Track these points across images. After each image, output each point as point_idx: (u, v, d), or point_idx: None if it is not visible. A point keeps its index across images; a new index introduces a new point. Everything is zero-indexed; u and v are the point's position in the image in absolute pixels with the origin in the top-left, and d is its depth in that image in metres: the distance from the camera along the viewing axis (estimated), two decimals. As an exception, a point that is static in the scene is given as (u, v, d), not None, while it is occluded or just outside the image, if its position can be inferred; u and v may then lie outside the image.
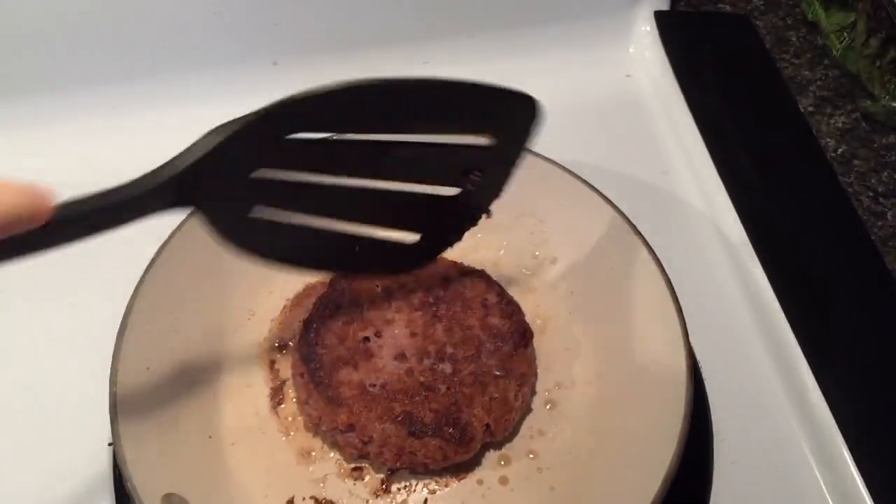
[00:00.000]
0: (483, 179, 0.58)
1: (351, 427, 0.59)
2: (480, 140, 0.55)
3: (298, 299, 0.69)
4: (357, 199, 0.54)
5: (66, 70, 0.80)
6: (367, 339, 0.63)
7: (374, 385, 0.61)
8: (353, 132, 0.53)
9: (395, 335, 0.63)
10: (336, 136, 0.52)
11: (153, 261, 0.63)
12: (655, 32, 0.90)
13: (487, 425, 0.60)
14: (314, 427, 0.62)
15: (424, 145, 0.54)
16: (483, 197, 0.60)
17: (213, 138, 0.49)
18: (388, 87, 0.53)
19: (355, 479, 0.61)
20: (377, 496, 0.60)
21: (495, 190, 0.59)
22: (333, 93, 0.50)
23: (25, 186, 0.42)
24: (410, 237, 0.59)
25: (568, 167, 0.69)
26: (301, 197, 0.53)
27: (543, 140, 0.70)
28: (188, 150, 0.49)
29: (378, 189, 0.55)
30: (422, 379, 0.61)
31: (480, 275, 0.67)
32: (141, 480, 0.53)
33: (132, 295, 0.61)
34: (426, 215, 0.58)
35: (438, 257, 0.68)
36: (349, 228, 0.57)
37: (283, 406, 0.64)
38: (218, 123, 0.82)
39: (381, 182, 0.55)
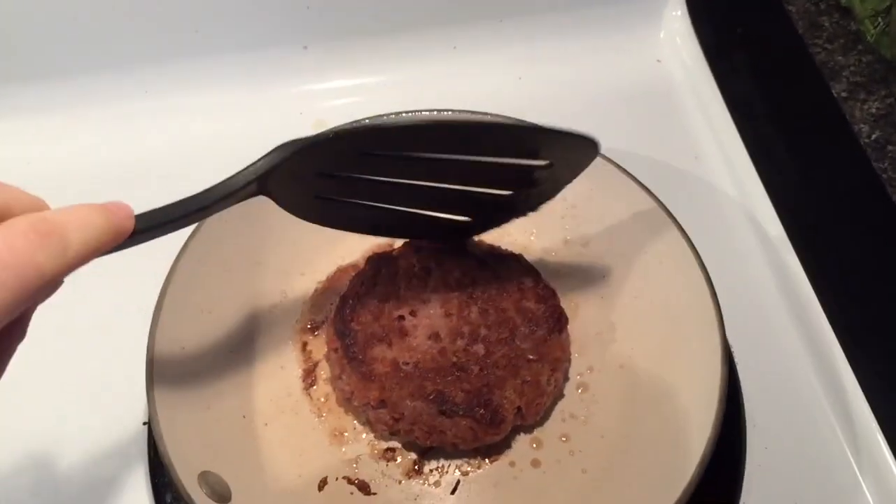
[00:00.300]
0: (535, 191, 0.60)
1: (383, 403, 0.60)
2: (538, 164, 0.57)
3: (330, 282, 0.70)
4: (414, 192, 0.57)
5: (97, 53, 0.81)
6: (401, 317, 0.63)
7: (408, 363, 0.61)
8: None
9: (430, 315, 0.63)
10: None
11: (187, 243, 0.63)
12: (686, 17, 0.89)
13: (519, 408, 0.60)
14: (346, 402, 0.63)
15: (484, 162, 0.56)
16: (533, 201, 0.61)
17: (282, 152, 0.52)
18: (456, 127, 0.56)
19: (388, 460, 0.61)
20: (409, 477, 0.61)
21: (545, 197, 0.61)
22: (402, 127, 0.54)
23: (105, 207, 0.42)
24: (461, 219, 0.61)
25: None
26: (363, 190, 0.56)
27: (574, 124, 0.70)
28: (258, 162, 0.52)
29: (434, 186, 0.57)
30: (454, 359, 0.61)
31: (517, 259, 0.67)
32: (178, 458, 0.54)
33: (167, 276, 0.61)
34: (477, 207, 0.60)
35: (475, 240, 0.68)
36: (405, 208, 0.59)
37: (315, 387, 0.65)
38: (247, 107, 0.84)
39: (438, 183, 0.57)
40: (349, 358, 0.61)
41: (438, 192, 0.57)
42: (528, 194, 0.60)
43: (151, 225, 0.47)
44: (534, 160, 0.57)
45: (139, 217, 0.45)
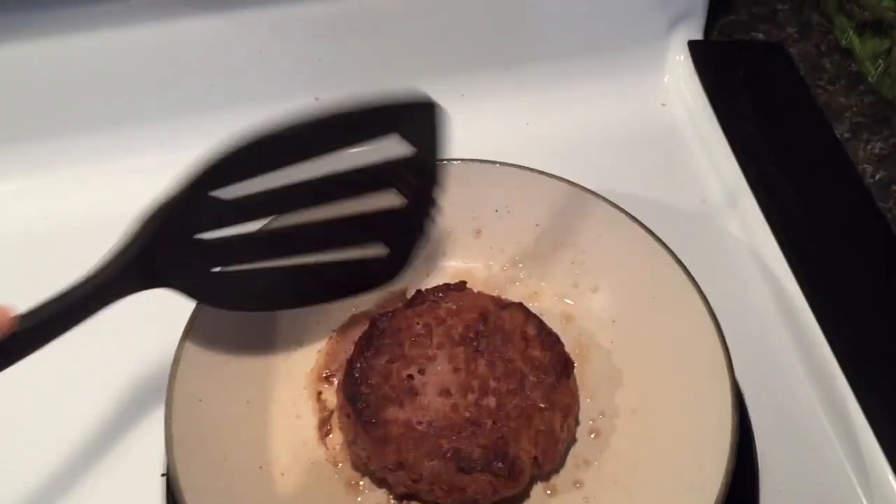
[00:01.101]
0: (413, 188, 0.60)
1: (400, 465, 0.60)
2: (396, 148, 0.58)
3: (344, 330, 0.71)
4: (306, 231, 0.58)
5: (114, 109, 0.83)
6: (410, 376, 0.63)
7: (421, 422, 0.61)
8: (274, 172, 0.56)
9: (438, 371, 0.64)
10: (263, 186, 0.55)
11: (199, 305, 0.64)
12: (690, 61, 0.91)
13: (535, 458, 0.61)
14: (363, 466, 0.63)
15: (348, 172, 0.57)
16: (422, 207, 0.62)
17: (153, 222, 0.54)
18: (292, 131, 0.56)
19: (404, 510, 0.62)
20: (425, 527, 0.61)
21: (430, 200, 0.62)
22: (242, 148, 0.55)
23: None
24: (372, 251, 0.62)
25: (606, 197, 0.70)
26: (254, 246, 0.57)
27: (582, 169, 0.72)
28: (134, 235, 0.54)
29: (323, 217, 0.58)
30: (467, 414, 0.61)
31: (518, 307, 0.68)
32: (198, 513, 0.55)
33: (185, 328, 0.62)
34: (377, 228, 0.61)
35: (475, 292, 0.69)
36: (311, 260, 0.60)
37: (330, 436, 0.66)
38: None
39: (322, 209, 0.58)
40: (363, 422, 0.61)
41: (327, 221, 0.57)
42: (417, 194, 0.60)
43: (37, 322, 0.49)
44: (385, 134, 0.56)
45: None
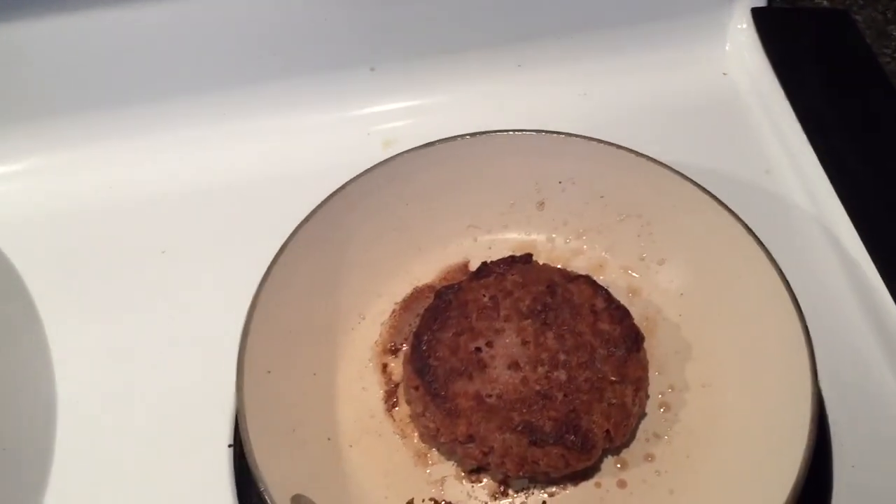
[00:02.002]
0: None
1: (470, 438, 0.60)
2: None
3: (407, 303, 0.70)
4: None
5: (175, 78, 0.82)
6: (478, 349, 0.63)
7: (491, 395, 0.61)
8: None
9: (506, 344, 0.63)
10: None
11: (269, 269, 0.63)
12: (752, 29, 0.88)
13: (607, 431, 0.60)
14: (431, 439, 0.63)
15: None
16: None
17: None
18: None
19: (473, 482, 0.62)
20: (496, 499, 0.61)
21: None
22: None
23: None
24: None
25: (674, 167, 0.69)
26: None
27: (641, 140, 0.70)
28: None
29: None
30: (538, 387, 0.61)
31: (586, 280, 0.67)
32: (272, 483, 0.54)
33: (251, 302, 0.62)
34: None
35: (541, 264, 0.69)
36: None
37: (397, 408, 0.65)
38: (317, 128, 0.85)
39: None
40: (432, 395, 0.61)
41: None
42: None
43: None
44: None
45: None
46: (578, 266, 0.71)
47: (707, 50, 0.89)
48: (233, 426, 0.66)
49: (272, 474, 0.55)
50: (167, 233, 0.78)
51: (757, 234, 0.64)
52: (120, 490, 0.65)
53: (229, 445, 0.66)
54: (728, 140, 0.83)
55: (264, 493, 0.54)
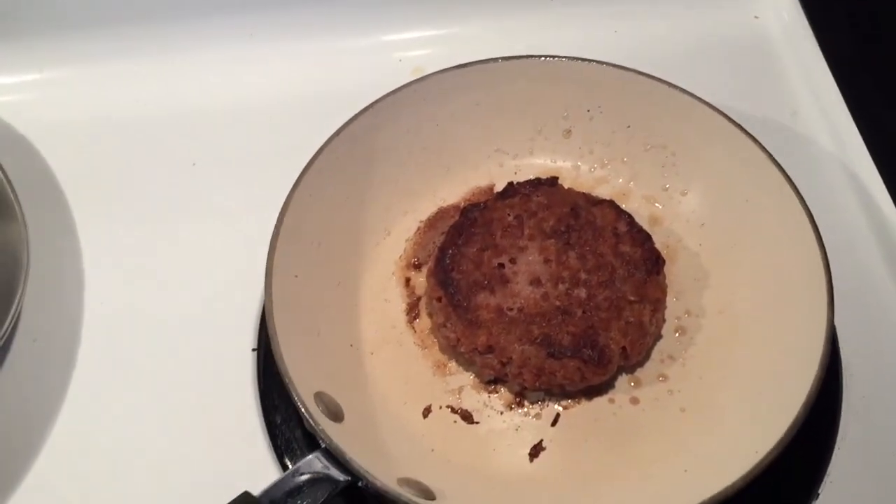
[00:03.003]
0: None
1: (490, 348, 0.61)
2: None
3: (431, 221, 0.71)
4: None
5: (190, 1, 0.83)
6: (501, 265, 0.64)
7: (512, 308, 0.62)
8: None
9: (529, 261, 0.64)
10: None
11: (299, 178, 0.64)
12: (785, -27, 0.88)
13: (623, 348, 0.61)
14: (451, 349, 0.64)
15: None
16: None
17: None
18: None
19: (490, 392, 0.63)
20: (511, 409, 0.63)
21: None
22: None
23: None
24: None
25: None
26: None
27: (670, 78, 0.71)
28: None
29: None
30: (558, 303, 0.62)
31: (609, 204, 0.68)
32: (296, 377, 0.56)
33: (281, 209, 0.63)
34: None
35: (566, 188, 0.69)
36: None
37: (418, 321, 0.67)
38: (348, 53, 0.85)
39: None
40: (454, 306, 0.62)
41: None
42: None
43: None
44: None
45: None
46: (602, 194, 0.71)
47: (739, -8, 0.89)
48: (257, 332, 0.68)
49: (296, 371, 0.57)
50: (198, 146, 0.79)
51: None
52: (143, 390, 0.67)
53: (253, 349, 0.68)
54: (756, 82, 0.84)
55: (289, 386, 0.55)
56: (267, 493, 0.53)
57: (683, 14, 0.88)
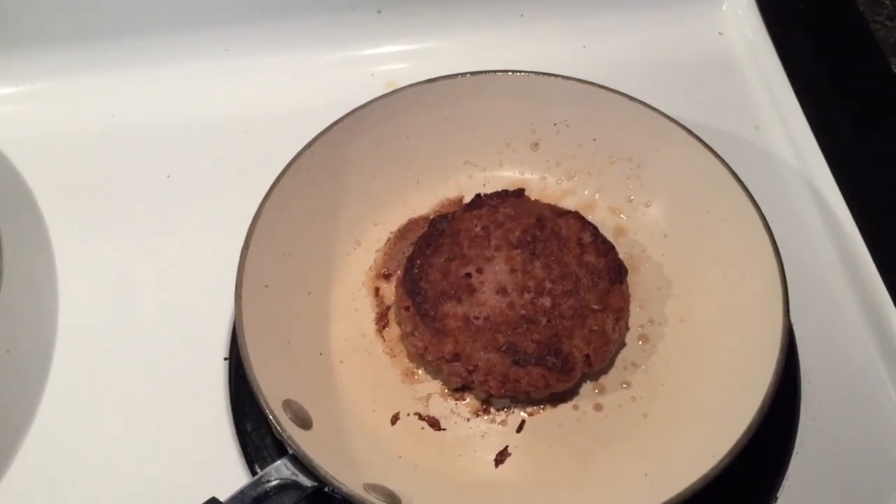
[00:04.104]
0: None
1: (456, 356, 0.63)
2: None
3: (402, 232, 0.73)
4: None
5: (182, 11, 0.84)
6: (468, 274, 0.65)
7: (478, 317, 0.63)
8: None
9: (495, 271, 0.66)
10: None
11: (270, 191, 0.66)
12: (749, -10, 0.91)
13: (587, 356, 0.63)
14: (419, 357, 0.66)
15: None
16: None
17: None
18: None
19: (457, 400, 0.65)
20: (478, 415, 0.64)
21: None
22: None
23: None
24: None
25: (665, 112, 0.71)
26: None
27: (637, 93, 0.72)
28: None
29: None
30: (523, 312, 0.64)
31: (575, 215, 0.69)
32: (265, 385, 0.57)
33: (252, 221, 0.64)
34: None
35: (532, 199, 0.71)
36: None
37: (387, 329, 0.68)
38: (322, 68, 0.87)
39: None
40: (421, 315, 0.64)
41: None
42: None
43: None
44: None
45: None
46: (569, 205, 0.73)
47: (704, 9, 0.91)
48: (229, 341, 0.69)
49: (265, 379, 0.58)
50: (172, 160, 0.80)
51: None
52: (116, 398, 0.68)
53: (225, 359, 0.69)
54: (721, 97, 0.86)
55: (257, 394, 0.57)
56: (234, 498, 0.54)
57: (650, 30, 0.90)
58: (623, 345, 0.67)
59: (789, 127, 0.82)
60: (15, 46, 0.83)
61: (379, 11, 0.86)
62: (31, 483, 0.64)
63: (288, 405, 0.59)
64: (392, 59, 0.87)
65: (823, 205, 0.77)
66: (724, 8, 0.91)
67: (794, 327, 0.68)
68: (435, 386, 0.65)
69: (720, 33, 0.90)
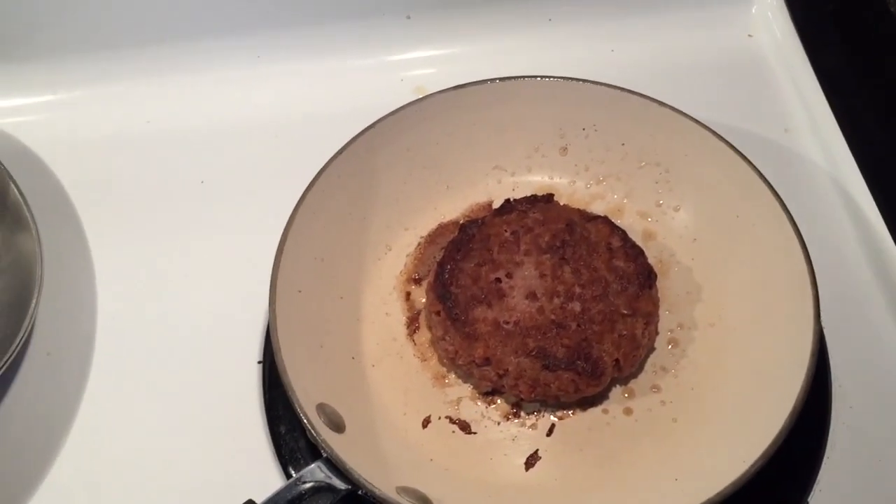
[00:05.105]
0: None
1: (487, 361, 0.63)
2: None
3: (432, 237, 0.73)
4: None
5: (213, 19, 0.85)
6: (498, 279, 0.66)
7: (508, 322, 0.64)
8: None
9: (525, 276, 0.66)
10: None
11: (302, 197, 0.67)
12: (778, -8, 0.91)
13: (616, 360, 0.63)
14: (450, 362, 0.66)
15: None
16: None
17: None
18: None
19: (488, 404, 0.65)
20: (508, 419, 0.65)
21: None
22: None
23: None
24: None
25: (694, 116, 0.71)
26: None
27: (665, 96, 0.73)
28: None
29: None
30: (553, 317, 0.64)
31: (604, 220, 0.70)
32: (299, 389, 0.58)
33: (285, 227, 0.65)
34: None
35: (562, 204, 0.72)
36: None
37: (418, 334, 0.69)
38: (352, 74, 0.88)
39: None
40: (452, 319, 0.65)
41: None
42: None
43: None
44: None
45: None
46: (597, 210, 0.73)
47: (733, 11, 0.91)
48: (262, 345, 0.70)
49: (299, 382, 0.59)
50: (206, 165, 0.82)
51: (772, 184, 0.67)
52: (153, 401, 0.69)
53: (259, 362, 0.70)
54: (750, 99, 0.86)
55: (291, 398, 0.58)
56: (270, 501, 0.55)
57: (678, 33, 0.90)
58: (652, 349, 0.67)
59: (819, 129, 0.82)
60: (52, 56, 0.85)
61: (408, 17, 0.87)
62: (71, 484, 0.65)
63: (321, 409, 0.60)
64: (421, 65, 0.88)
65: (854, 207, 0.76)
66: (753, 10, 0.91)
67: (825, 332, 0.68)
68: (465, 390, 0.66)
69: (749, 35, 0.90)
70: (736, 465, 0.55)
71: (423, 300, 0.70)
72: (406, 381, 0.66)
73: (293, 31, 0.87)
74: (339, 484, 0.56)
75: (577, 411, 0.65)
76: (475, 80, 0.73)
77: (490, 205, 0.75)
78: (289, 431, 0.66)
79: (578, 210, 0.71)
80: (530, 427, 0.64)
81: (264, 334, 0.70)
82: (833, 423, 0.65)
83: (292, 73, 0.87)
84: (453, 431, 0.64)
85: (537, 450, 0.63)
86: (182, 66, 0.87)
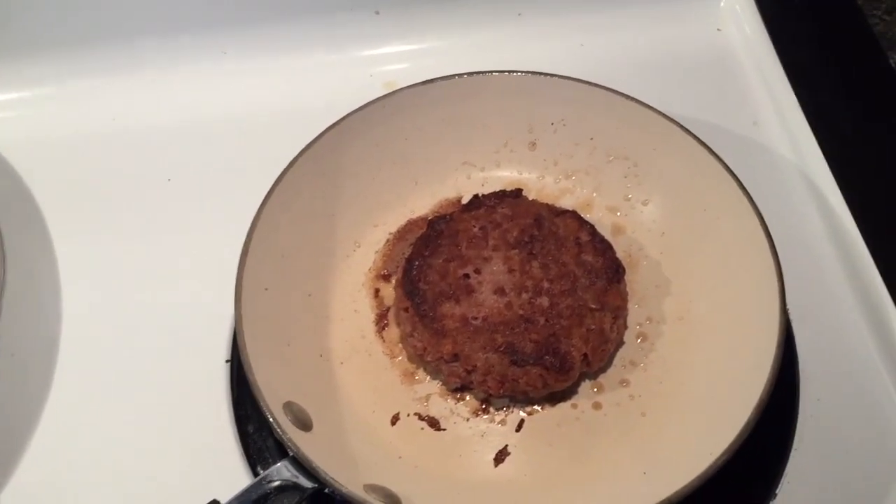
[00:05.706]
0: None
1: (455, 357, 0.63)
2: None
3: (401, 233, 0.73)
4: None
5: (180, 15, 0.84)
6: (466, 275, 0.66)
7: (476, 318, 0.64)
8: None
9: (493, 271, 0.66)
10: None
11: (268, 194, 0.66)
12: (747, -13, 0.91)
13: (585, 355, 0.63)
14: (418, 358, 0.66)
15: None
16: None
17: None
18: None
19: (457, 400, 0.65)
20: (477, 415, 0.64)
21: None
22: None
23: None
24: None
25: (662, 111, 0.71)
26: None
27: (635, 91, 0.73)
28: None
29: None
30: (521, 312, 0.64)
31: (572, 215, 0.70)
32: (265, 387, 0.58)
33: (251, 223, 0.65)
34: None
35: (530, 199, 0.71)
36: None
37: (387, 331, 0.69)
38: (320, 69, 0.87)
39: None
40: (420, 315, 0.64)
41: None
42: None
43: None
44: None
45: None
46: (566, 204, 0.73)
47: (702, 6, 0.91)
48: (230, 343, 0.70)
49: (266, 381, 0.58)
50: (173, 163, 0.81)
51: (739, 178, 0.67)
52: (119, 401, 0.68)
53: (226, 361, 0.69)
54: (719, 93, 0.86)
55: (258, 397, 0.57)
56: (235, 500, 0.54)
57: (648, 27, 0.90)
58: (621, 343, 0.67)
59: (787, 122, 0.82)
60: (15, 52, 0.84)
61: (377, 12, 0.87)
62: (35, 486, 0.65)
63: (288, 407, 0.59)
64: (390, 60, 0.88)
65: (822, 200, 0.77)
66: (721, 4, 0.91)
67: (793, 324, 0.68)
68: (434, 386, 0.66)
69: (718, 29, 0.91)
70: (703, 458, 0.55)
71: (393, 297, 0.70)
72: (375, 379, 0.66)
73: (260, 27, 0.86)
74: (306, 482, 0.56)
75: (546, 406, 0.65)
76: (444, 75, 0.73)
77: (459, 200, 0.75)
78: (257, 430, 0.65)
79: (547, 205, 0.71)
80: (499, 423, 0.64)
81: (232, 333, 0.69)
82: (801, 415, 0.66)
83: (260, 70, 0.87)
84: (422, 428, 0.64)
85: (506, 445, 0.63)
86: (148, 63, 0.86)
